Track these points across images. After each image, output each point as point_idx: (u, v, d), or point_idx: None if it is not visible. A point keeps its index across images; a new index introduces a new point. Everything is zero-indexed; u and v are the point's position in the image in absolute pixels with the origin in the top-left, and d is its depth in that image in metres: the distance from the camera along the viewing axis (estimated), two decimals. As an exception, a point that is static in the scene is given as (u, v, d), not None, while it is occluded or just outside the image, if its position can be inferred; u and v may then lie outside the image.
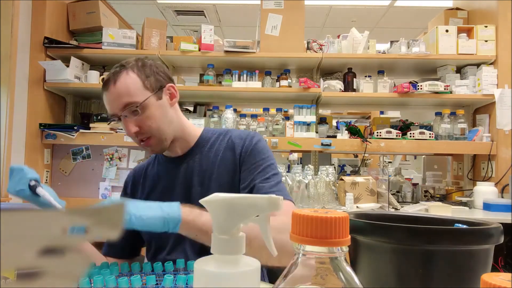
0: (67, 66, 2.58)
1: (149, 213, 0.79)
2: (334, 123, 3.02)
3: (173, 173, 1.14)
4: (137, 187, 1.19)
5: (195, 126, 1.19)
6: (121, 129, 2.64)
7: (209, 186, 1.08)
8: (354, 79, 2.72)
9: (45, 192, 0.93)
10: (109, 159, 2.74)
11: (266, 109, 2.71)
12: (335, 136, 2.61)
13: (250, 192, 1.05)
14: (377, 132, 2.57)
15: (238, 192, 1.08)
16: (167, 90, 1.10)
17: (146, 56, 1.11)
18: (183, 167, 1.13)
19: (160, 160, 1.19)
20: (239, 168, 1.09)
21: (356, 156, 3.47)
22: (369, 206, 2.32)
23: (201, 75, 2.86)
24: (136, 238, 1.16)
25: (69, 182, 2.75)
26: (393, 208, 2.29)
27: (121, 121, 1.05)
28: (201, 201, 0.46)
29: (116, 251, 1.15)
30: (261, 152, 1.10)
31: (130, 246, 1.18)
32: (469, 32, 2.68)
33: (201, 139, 1.16)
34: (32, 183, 0.93)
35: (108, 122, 1.11)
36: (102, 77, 2.70)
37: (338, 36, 2.76)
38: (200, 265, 0.42)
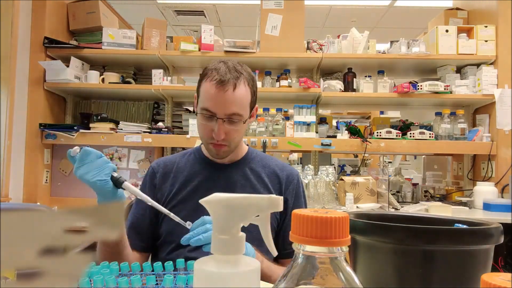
0: (67, 66, 2.58)
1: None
2: (334, 123, 3.02)
3: (214, 175, 1.17)
4: (167, 178, 1.18)
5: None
6: (121, 129, 2.64)
7: None
8: (354, 79, 2.72)
9: (133, 187, 0.92)
10: (109, 159, 2.74)
11: (266, 109, 2.71)
12: (335, 136, 2.61)
13: (277, 234, 1.14)
14: (377, 132, 2.57)
15: (277, 216, 1.15)
16: (255, 110, 1.16)
17: (250, 71, 1.14)
18: (226, 175, 1.17)
19: (198, 159, 1.21)
20: (284, 198, 1.15)
21: (356, 156, 3.47)
22: (369, 206, 2.32)
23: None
24: (155, 232, 1.15)
25: (69, 182, 2.75)
26: (393, 208, 2.29)
27: (211, 119, 1.06)
28: (201, 201, 0.46)
29: (140, 244, 1.13)
30: (302, 196, 1.20)
31: (151, 238, 1.16)
32: (469, 32, 2.68)
33: (247, 156, 1.22)
34: (115, 174, 0.91)
35: (199, 111, 1.09)
36: (102, 77, 2.70)
37: (338, 36, 2.76)
38: (200, 265, 0.42)
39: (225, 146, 1.10)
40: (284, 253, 1.08)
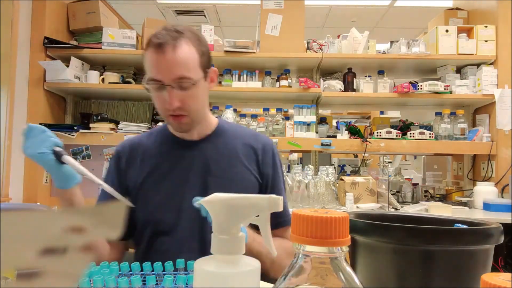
0: (67, 66, 2.58)
1: None
2: (334, 123, 3.02)
3: (185, 155, 1.09)
4: (133, 161, 1.12)
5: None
6: (121, 129, 2.64)
7: (231, 179, 1.07)
8: (354, 79, 2.71)
9: (73, 160, 0.90)
10: (109, 159, 2.74)
11: (266, 109, 2.71)
12: (335, 136, 2.61)
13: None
14: (377, 132, 2.57)
15: (256, 190, 1.11)
16: (211, 73, 1.08)
17: (196, 30, 1.06)
18: (198, 152, 1.10)
19: (165, 138, 1.14)
20: (261, 170, 1.12)
21: (356, 156, 3.47)
22: (369, 206, 2.32)
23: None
24: (129, 219, 1.09)
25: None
26: (393, 208, 2.29)
27: (161, 88, 0.99)
28: (201, 201, 0.46)
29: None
30: (279, 166, 1.16)
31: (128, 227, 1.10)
32: (469, 32, 2.68)
33: (219, 129, 1.14)
34: (57, 149, 0.90)
35: (146, 83, 1.00)
36: (102, 77, 2.70)
37: (338, 36, 2.76)
38: (200, 265, 0.42)
39: (184, 117, 1.02)
40: (276, 223, 1.06)
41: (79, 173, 0.95)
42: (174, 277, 0.73)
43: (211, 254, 0.44)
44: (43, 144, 0.89)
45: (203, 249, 1.02)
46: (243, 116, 2.73)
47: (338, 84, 2.64)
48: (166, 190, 1.07)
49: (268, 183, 1.12)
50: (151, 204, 1.07)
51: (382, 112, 3.69)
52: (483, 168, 2.63)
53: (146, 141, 1.15)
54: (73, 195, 0.97)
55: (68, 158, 0.90)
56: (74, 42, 2.77)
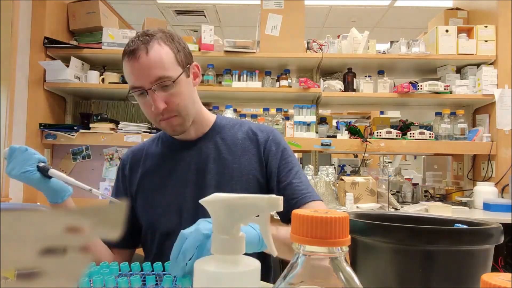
0: (67, 66, 2.58)
1: (248, 230, 0.74)
2: (334, 123, 3.02)
3: (184, 156, 1.08)
4: (136, 167, 1.12)
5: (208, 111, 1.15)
6: (121, 129, 2.64)
7: (231, 175, 1.05)
8: (354, 79, 2.72)
9: (59, 172, 0.90)
10: (109, 159, 2.74)
11: (266, 109, 2.71)
12: (335, 136, 2.61)
13: (284, 189, 1.04)
14: (377, 132, 2.57)
15: (265, 184, 1.07)
16: (192, 68, 1.06)
17: (169, 30, 1.05)
18: (196, 151, 1.08)
19: (165, 141, 1.13)
20: (264, 161, 1.08)
21: (356, 156, 3.47)
22: (369, 206, 2.32)
23: (201, 75, 2.86)
24: (136, 227, 1.11)
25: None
26: (393, 208, 2.29)
27: (144, 95, 0.97)
28: (201, 201, 0.46)
29: (119, 241, 1.07)
30: (286, 149, 1.10)
31: (132, 235, 1.11)
32: (469, 32, 2.68)
33: (216, 125, 1.12)
34: (41, 164, 0.90)
35: (129, 94, 0.99)
36: (102, 77, 2.70)
37: (338, 36, 2.76)
38: (200, 265, 0.42)
39: (175, 117, 1.00)
40: (303, 197, 1.02)
41: (68, 184, 0.94)
42: (174, 277, 0.73)
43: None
44: (26, 163, 0.88)
45: None
46: (243, 116, 2.73)
47: (338, 84, 2.64)
48: (167, 192, 1.06)
49: (279, 169, 1.07)
50: (153, 207, 1.07)
51: (382, 112, 3.69)
52: (483, 168, 2.63)
53: (148, 146, 1.16)
54: (67, 208, 0.97)
55: (54, 172, 0.90)
56: (74, 42, 2.77)
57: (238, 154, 1.08)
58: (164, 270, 0.81)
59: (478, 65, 2.66)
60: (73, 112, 2.93)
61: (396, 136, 2.56)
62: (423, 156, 3.23)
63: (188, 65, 1.03)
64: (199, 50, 2.65)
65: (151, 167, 1.10)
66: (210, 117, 1.14)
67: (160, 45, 0.97)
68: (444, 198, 2.73)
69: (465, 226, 0.61)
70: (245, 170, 1.06)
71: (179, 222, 1.03)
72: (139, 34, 0.98)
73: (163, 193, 1.07)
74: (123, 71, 1.01)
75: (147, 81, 0.95)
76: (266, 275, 1.12)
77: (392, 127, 2.70)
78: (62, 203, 0.96)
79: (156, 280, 0.74)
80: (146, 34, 0.97)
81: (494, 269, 1.11)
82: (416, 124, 2.85)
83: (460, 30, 2.66)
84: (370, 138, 2.54)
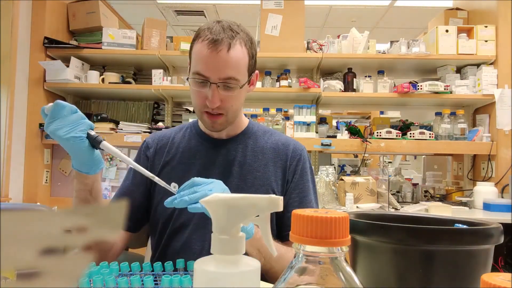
0: (67, 66, 2.58)
1: None
2: (334, 123, 3.02)
3: (211, 153, 1.08)
4: (161, 152, 1.11)
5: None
6: (121, 129, 2.64)
7: (252, 183, 1.04)
8: (354, 79, 2.72)
9: (110, 145, 0.84)
10: (109, 159, 2.74)
11: (266, 109, 2.71)
12: (335, 136, 2.61)
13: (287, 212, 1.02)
14: (377, 132, 2.57)
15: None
16: (253, 77, 1.06)
17: (249, 32, 1.03)
18: (224, 152, 1.08)
19: (195, 134, 1.12)
20: (287, 178, 1.08)
21: (356, 156, 3.47)
22: (369, 206, 2.32)
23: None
24: (143, 212, 1.09)
25: (69, 182, 2.74)
26: (393, 208, 2.29)
27: (205, 84, 0.96)
28: (201, 201, 0.46)
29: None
30: (309, 173, 1.11)
31: (140, 219, 1.09)
32: (469, 32, 2.68)
33: (248, 130, 1.12)
34: (92, 133, 0.83)
35: (190, 76, 0.98)
36: (102, 77, 2.70)
37: (338, 36, 2.76)
38: (200, 265, 0.42)
39: (221, 116, 1.00)
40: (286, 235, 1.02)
41: (118, 158, 0.91)
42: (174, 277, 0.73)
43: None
44: (77, 127, 0.80)
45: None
46: (243, 116, 2.72)
47: (338, 84, 2.64)
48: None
49: (295, 188, 1.08)
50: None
51: (382, 112, 3.69)
52: (483, 168, 2.63)
53: (175, 135, 1.14)
54: (96, 181, 0.94)
55: (106, 144, 0.83)
56: (74, 42, 2.77)
57: (263, 163, 1.07)
58: (164, 270, 0.81)
59: (478, 65, 2.66)
60: (73, 112, 2.93)
61: (396, 136, 2.56)
62: (423, 156, 3.23)
63: (253, 73, 1.04)
64: (199, 50, 2.64)
65: (176, 157, 1.09)
66: (244, 121, 1.14)
67: (242, 47, 0.97)
68: (444, 198, 2.73)
69: (465, 226, 0.61)
70: (267, 180, 1.06)
71: (191, 217, 1.02)
72: (223, 25, 0.96)
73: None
74: (191, 50, 1.01)
75: (216, 76, 0.95)
76: None
77: (392, 127, 2.70)
78: (94, 175, 0.91)
79: (156, 280, 0.74)
80: (231, 28, 0.96)
81: (494, 269, 1.11)
82: (416, 124, 2.85)
83: (460, 30, 2.66)
84: (370, 138, 2.54)
